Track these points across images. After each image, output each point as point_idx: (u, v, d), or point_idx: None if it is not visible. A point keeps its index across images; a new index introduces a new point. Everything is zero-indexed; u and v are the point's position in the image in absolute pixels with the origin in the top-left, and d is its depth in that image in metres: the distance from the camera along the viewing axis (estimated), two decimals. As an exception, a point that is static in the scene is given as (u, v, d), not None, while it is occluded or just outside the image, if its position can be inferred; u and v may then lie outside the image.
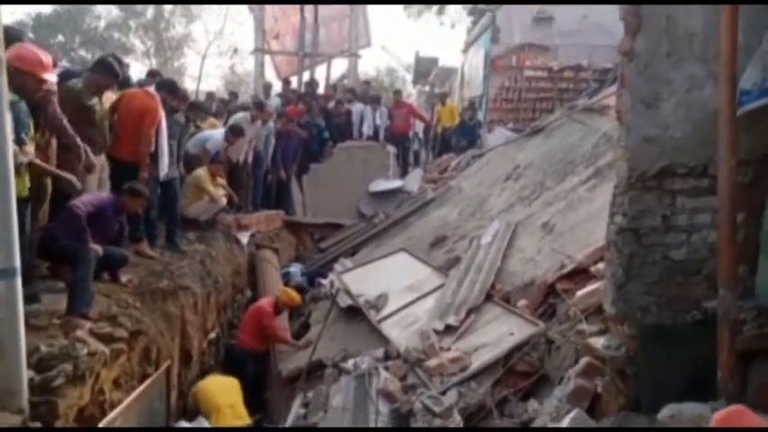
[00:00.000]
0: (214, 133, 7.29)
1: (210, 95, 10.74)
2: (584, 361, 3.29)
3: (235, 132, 7.17)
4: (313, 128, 10.13)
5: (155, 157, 5.16)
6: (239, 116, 8.16)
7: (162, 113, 5.16)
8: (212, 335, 5.81)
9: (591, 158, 6.31)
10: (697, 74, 2.57)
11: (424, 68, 22.87)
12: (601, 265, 3.67)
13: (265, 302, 6.04)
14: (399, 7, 23.82)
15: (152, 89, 5.42)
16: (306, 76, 12.45)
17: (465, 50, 16.47)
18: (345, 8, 13.20)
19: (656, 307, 2.77)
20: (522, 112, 12.05)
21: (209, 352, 5.67)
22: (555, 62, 11.87)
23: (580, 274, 4.38)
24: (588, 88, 10.95)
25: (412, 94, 31.46)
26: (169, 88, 5.61)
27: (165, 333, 4.40)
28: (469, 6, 22.65)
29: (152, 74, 7.82)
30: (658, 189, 2.69)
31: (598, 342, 3.13)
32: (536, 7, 12.82)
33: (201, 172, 6.71)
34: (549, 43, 11.99)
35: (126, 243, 4.74)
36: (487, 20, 13.05)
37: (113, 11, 29.37)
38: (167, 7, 31.15)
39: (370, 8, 14.16)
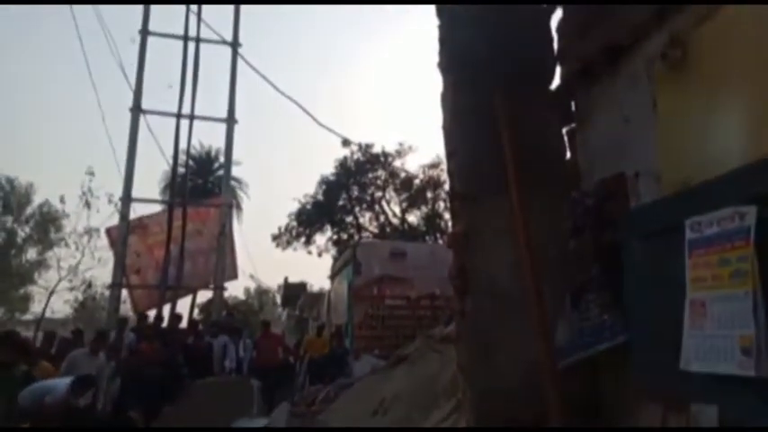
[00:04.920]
0: (56, 384, 6.40)
1: (51, 335, 9.80)
2: None
3: (85, 384, 6.41)
4: (171, 365, 9.46)
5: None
6: (77, 353, 7.43)
7: None
8: None
9: (451, 391, 6.44)
10: (520, 331, 2.88)
11: (292, 293, 23.27)
12: None
13: None
14: (269, 238, 24.98)
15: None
16: (166, 309, 12.03)
17: (331, 278, 17.23)
18: (213, 242, 13.55)
19: None
20: (387, 339, 12.43)
21: None
22: (412, 292, 12.83)
23: None
24: (443, 316, 11.75)
25: (282, 316, 31.30)
26: None
27: None
28: (335, 238, 24.46)
29: None
30: (505, 440, 2.78)
31: None
32: (391, 243, 14.25)
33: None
34: (405, 275, 13.07)
35: None
36: (349, 254, 14.10)
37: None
38: (21, 233, 29.72)
39: (240, 239, 14.63)
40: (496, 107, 2.90)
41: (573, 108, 3.24)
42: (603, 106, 2.94)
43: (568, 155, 3.17)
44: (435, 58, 3.40)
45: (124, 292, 13.49)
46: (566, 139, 3.24)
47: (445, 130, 3.23)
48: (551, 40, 3.37)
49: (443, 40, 3.36)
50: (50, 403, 6.01)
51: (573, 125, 3.22)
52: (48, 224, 28.14)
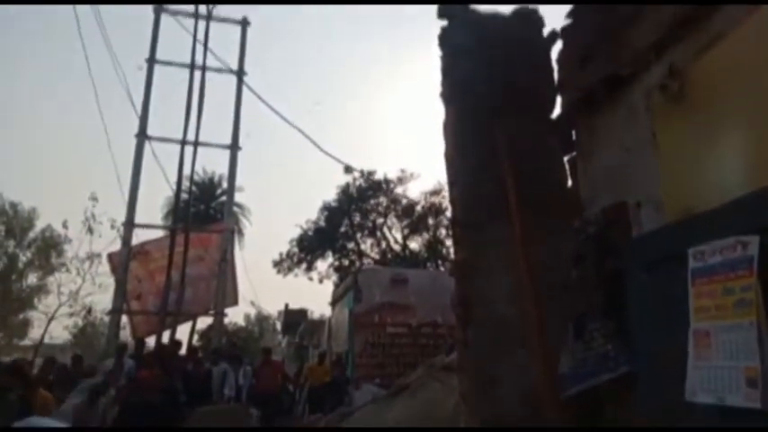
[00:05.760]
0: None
1: (50, 361, 9.68)
2: None
3: None
4: (170, 392, 9.34)
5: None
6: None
7: None
8: None
9: (453, 419, 6.35)
10: (522, 360, 2.86)
11: (292, 320, 23.11)
12: None
13: None
14: (270, 263, 24.92)
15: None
16: (166, 335, 11.93)
17: (332, 305, 17.12)
18: (214, 268, 13.53)
19: None
20: (388, 367, 12.30)
21: None
22: (414, 319, 12.74)
23: None
24: (445, 344, 11.64)
25: (282, 343, 31.01)
26: None
27: None
28: (336, 264, 24.40)
29: None
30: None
31: None
32: (393, 270, 14.23)
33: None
34: (407, 302, 13.00)
35: None
36: (350, 280, 14.04)
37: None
38: (22, 257, 29.69)
39: (241, 265, 14.57)
40: (497, 136, 2.94)
41: (574, 137, 3.27)
42: (604, 136, 2.97)
43: (570, 183, 3.19)
44: (438, 88, 3.45)
45: (124, 318, 13.40)
46: (567, 167, 3.27)
47: (447, 158, 3.26)
48: (551, 70, 3.43)
49: (445, 71, 3.41)
50: None
51: (574, 154, 3.25)
52: (49, 249, 28.10)
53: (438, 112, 3.44)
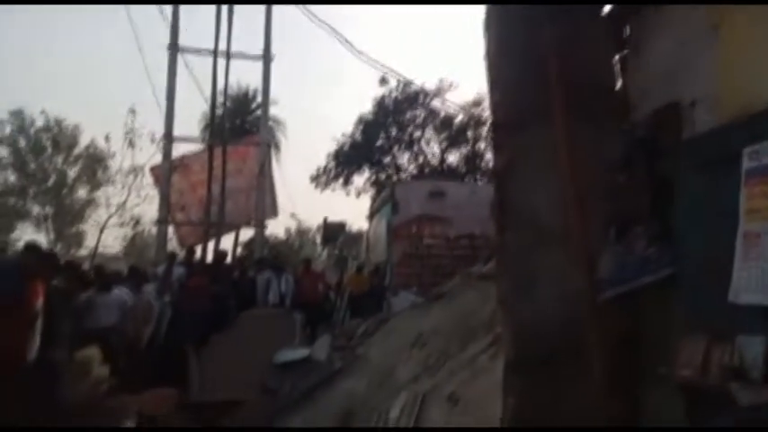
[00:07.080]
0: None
1: (99, 267, 10.23)
2: None
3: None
4: (220, 298, 9.88)
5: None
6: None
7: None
8: None
9: (489, 325, 6.54)
10: (561, 262, 2.85)
11: (332, 233, 23.66)
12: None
13: None
14: (307, 178, 25.19)
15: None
16: (211, 246, 12.47)
17: (370, 218, 17.40)
18: (253, 181, 13.79)
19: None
20: (425, 276, 12.59)
21: None
22: (451, 231, 12.84)
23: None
24: (482, 255, 11.76)
25: (322, 255, 32.01)
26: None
27: None
28: (373, 178, 24.47)
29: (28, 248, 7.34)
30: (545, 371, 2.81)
31: None
32: (430, 183, 14.23)
33: (94, 352, 6.16)
34: (444, 215, 13.07)
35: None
36: (388, 193, 14.14)
37: (10, 177, 28.65)
38: (71, 173, 30.88)
39: (279, 179, 14.79)
40: (543, 32, 2.77)
41: (626, 33, 3.06)
42: (659, 29, 2.77)
43: (620, 83, 3.03)
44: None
45: (170, 229, 13.97)
46: (617, 66, 3.09)
47: (488, 58, 3.11)
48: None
49: (488, -36, 3.18)
50: None
51: (625, 51, 3.05)
52: (95, 165, 29.05)
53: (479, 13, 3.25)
